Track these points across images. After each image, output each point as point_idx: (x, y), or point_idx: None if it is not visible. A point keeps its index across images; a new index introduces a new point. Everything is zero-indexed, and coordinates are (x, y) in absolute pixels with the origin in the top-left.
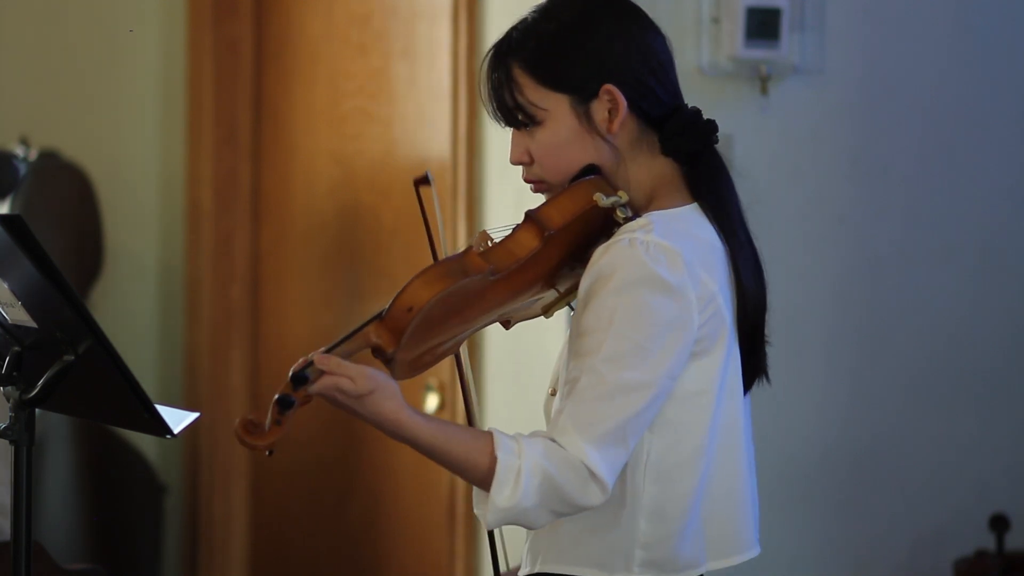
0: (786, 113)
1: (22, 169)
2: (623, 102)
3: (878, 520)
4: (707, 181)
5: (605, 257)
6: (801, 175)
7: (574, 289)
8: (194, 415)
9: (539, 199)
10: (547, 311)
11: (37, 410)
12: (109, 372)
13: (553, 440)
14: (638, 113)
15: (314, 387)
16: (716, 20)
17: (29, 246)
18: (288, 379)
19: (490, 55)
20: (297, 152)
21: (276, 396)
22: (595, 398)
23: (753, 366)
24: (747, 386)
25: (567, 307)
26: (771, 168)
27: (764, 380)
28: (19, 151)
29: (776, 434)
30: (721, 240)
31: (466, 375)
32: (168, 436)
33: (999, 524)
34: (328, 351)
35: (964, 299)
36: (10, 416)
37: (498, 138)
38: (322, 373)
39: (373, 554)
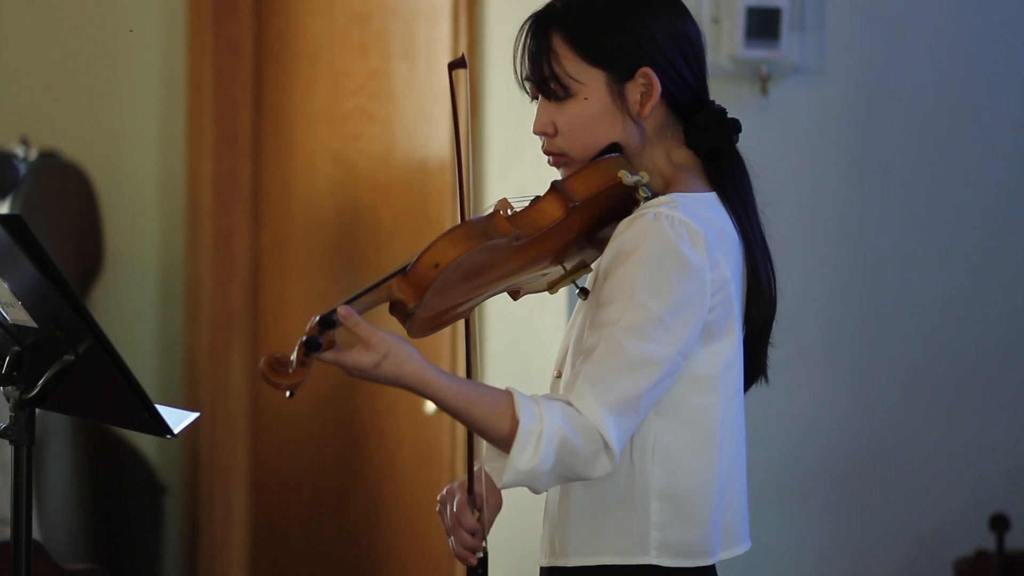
0: (786, 113)
1: (22, 169)
2: (658, 87)
3: (878, 520)
4: (731, 175)
5: (630, 229)
6: (801, 175)
7: (580, 267)
8: (194, 415)
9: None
10: (552, 287)
11: (37, 410)
12: (109, 372)
13: (570, 404)
14: (668, 100)
15: (334, 336)
16: (716, 20)
17: (29, 246)
18: (315, 321)
19: (530, 23)
20: (297, 152)
21: (303, 337)
22: (614, 367)
23: (755, 365)
24: (747, 385)
25: (572, 285)
26: (771, 168)
27: (763, 381)
28: (19, 151)
29: (776, 434)
30: (738, 233)
31: (474, 340)
32: (168, 436)
33: (999, 524)
34: (349, 302)
35: (963, 299)
36: (10, 416)
37: (498, 138)
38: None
39: (373, 554)
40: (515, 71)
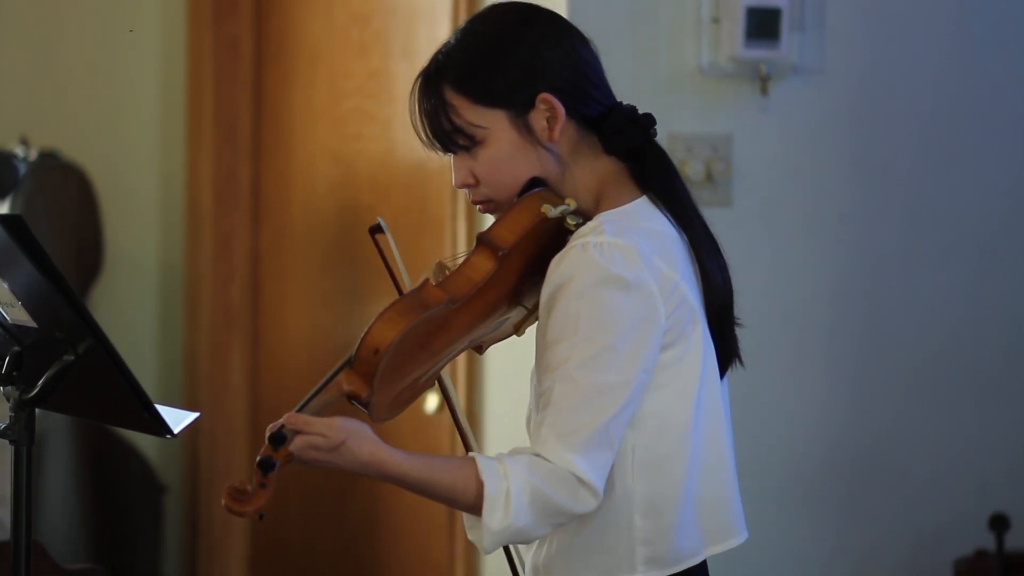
0: (786, 113)
1: (22, 169)
2: (560, 109)
3: (878, 520)
4: (654, 173)
5: (561, 266)
6: (801, 175)
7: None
8: (194, 415)
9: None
10: (518, 329)
11: (37, 410)
12: (109, 372)
13: (537, 455)
14: (576, 117)
15: (290, 447)
16: (716, 20)
17: (29, 246)
18: (267, 441)
19: (419, 82)
20: (297, 152)
21: (257, 459)
22: (573, 406)
23: (725, 350)
24: (722, 371)
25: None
26: (771, 168)
27: (738, 364)
28: (19, 151)
29: (776, 433)
30: (677, 229)
31: (452, 400)
32: (168, 436)
33: (999, 524)
34: (299, 409)
35: (964, 299)
36: (10, 416)
37: None
38: (296, 433)
39: (373, 555)
40: (417, 133)
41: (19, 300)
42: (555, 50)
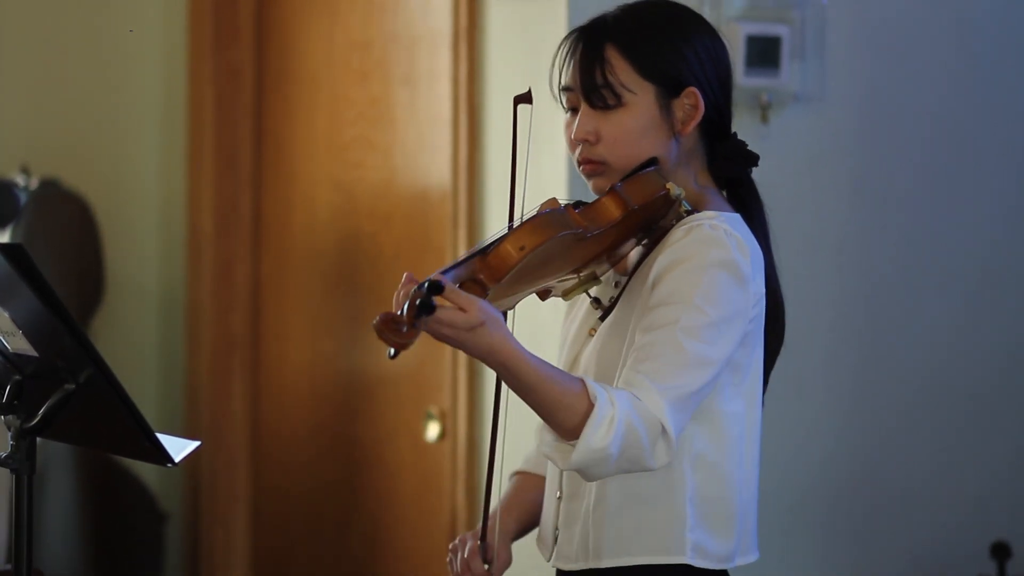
0: (787, 141)
1: (23, 198)
2: (702, 107)
3: (877, 545)
4: (749, 203)
5: (688, 237)
6: (802, 202)
7: (590, 278)
8: (195, 444)
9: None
10: (567, 294)
11: (38, 439)
12: (110, 401)
13: (634, 395)
14: (702, 123)
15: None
16: None
17: (30, 275)
18: (424, 286)
19: (582, 35)
20: (298, 179)
21: (417, 300)
22: (674, 364)
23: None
24: None
25: (585, 294)
26: (771, 195)
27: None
28: (20, 180)
29: (775, 458)
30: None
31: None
32: (169, 465)
33: (1000, 552)
34: (443, 273)
35: (963, 323)
36: (11, 445)
37: (498, 164)
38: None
39: None
40: (552, 81)
41: (20, 329)
42: (715, 59)
